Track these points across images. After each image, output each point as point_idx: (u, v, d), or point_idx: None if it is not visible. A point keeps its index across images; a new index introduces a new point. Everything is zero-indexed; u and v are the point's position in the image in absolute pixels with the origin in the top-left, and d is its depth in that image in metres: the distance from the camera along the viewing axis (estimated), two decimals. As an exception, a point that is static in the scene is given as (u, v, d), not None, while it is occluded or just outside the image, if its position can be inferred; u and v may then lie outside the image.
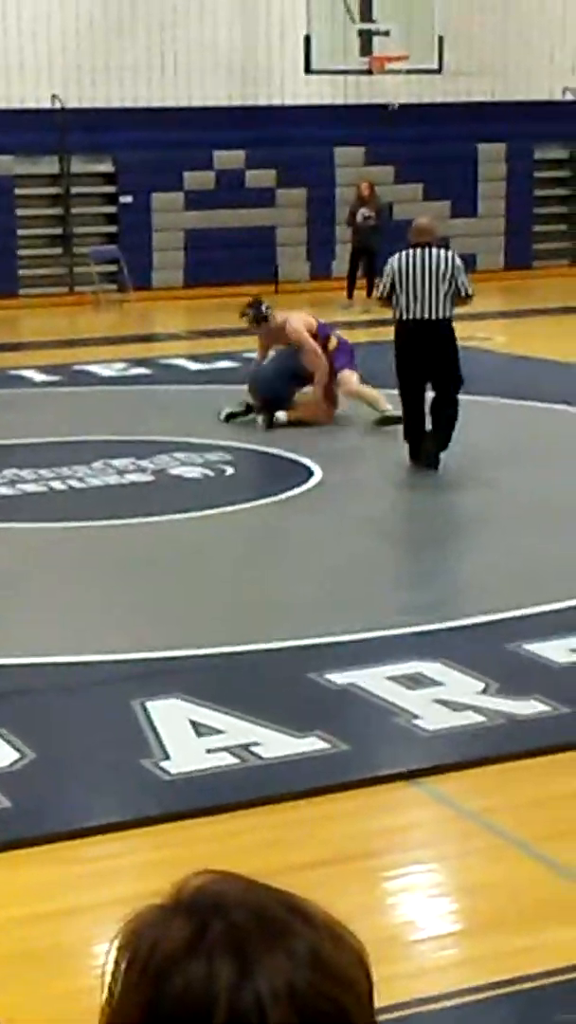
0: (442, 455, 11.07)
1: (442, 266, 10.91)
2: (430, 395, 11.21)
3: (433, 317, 10.90)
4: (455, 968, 4.55)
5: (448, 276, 10.90)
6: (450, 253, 11.15)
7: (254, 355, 13.66)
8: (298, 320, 13.20)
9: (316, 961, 1.18)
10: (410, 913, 4.91)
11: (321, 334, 13.15)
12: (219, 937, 1.17)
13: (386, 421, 12.36)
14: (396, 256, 11.08)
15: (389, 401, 12.16)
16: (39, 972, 4.51)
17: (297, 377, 12.99)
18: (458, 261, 11.09)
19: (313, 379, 12.94)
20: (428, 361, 10.98)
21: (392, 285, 10.97)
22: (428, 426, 11.18)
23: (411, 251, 11.02)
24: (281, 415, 12.84)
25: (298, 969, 1.17)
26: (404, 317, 10.98)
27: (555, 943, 4.59)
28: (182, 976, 1.17)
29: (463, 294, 10.99)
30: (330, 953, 1.19)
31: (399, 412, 11.59)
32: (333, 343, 13.16)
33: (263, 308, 13.25)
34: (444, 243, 11.46)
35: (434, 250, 11.04)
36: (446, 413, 11.08)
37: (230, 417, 12.93)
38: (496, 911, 4.83)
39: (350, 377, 13.01)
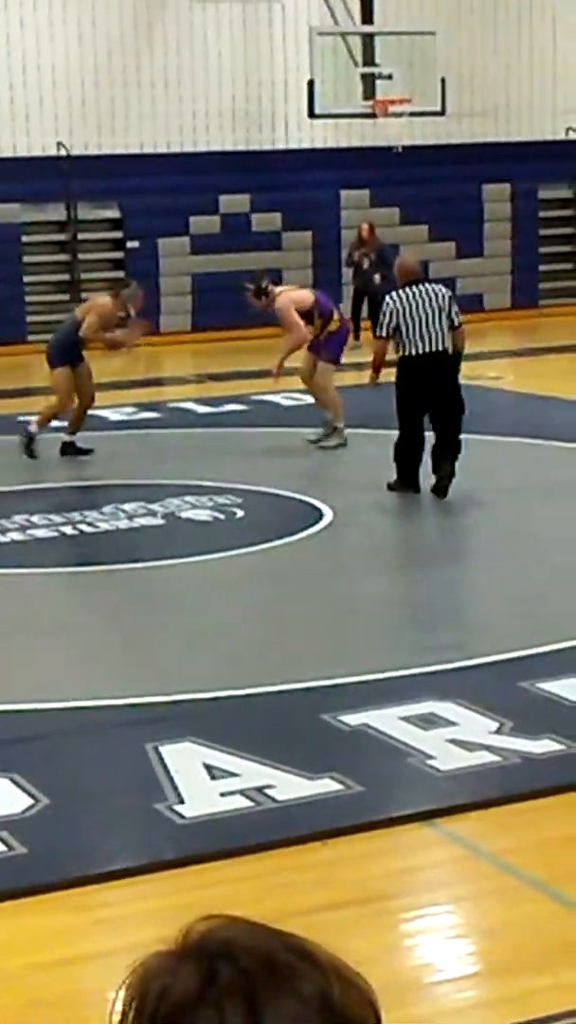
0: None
1: (439, 300, 11.42)
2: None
3: (441, 348, 11.35)
4: (473, 1010, 4.52)
5: (446, 309, 11.40)
6: (441, 287, 11.67)
7: (263, 397, 13.81)
8: (286, 298, 13.47)
9: (325, 1004, 1.17)
10: (427, 955, 4.88)
11: (324, 310, 13.37)
12: (228, 984, 1.17)
13: (326, 439, 13.17)
14: (394, 295, 11.49)
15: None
16: (51, 1020, 4.48)
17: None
18: (449, 293, 11.63)
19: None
20: (436, 392, 11.33)
21: (396, 323, 11.26)
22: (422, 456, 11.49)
23: (407, 289, 11.44)
24: None
25: (308, 1013, 1.16)
26: (415, 352, 11.32)
27: (573, 984, 4.56)
28: (192, 1024, 1.16)
29: (455, 324, 11.48)
30: (339, 996, 1.19)
31: (341, 429, 12.95)
32: (334, 325, 13.43)
33: (263, 284, 13.53)
34: (427, 278, 12.01)
35: (427, 285, 11.60)
36: (456, 441, 11.38)
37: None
38: (513, 952, 4.80)
39: (324, 371, 13.36)
